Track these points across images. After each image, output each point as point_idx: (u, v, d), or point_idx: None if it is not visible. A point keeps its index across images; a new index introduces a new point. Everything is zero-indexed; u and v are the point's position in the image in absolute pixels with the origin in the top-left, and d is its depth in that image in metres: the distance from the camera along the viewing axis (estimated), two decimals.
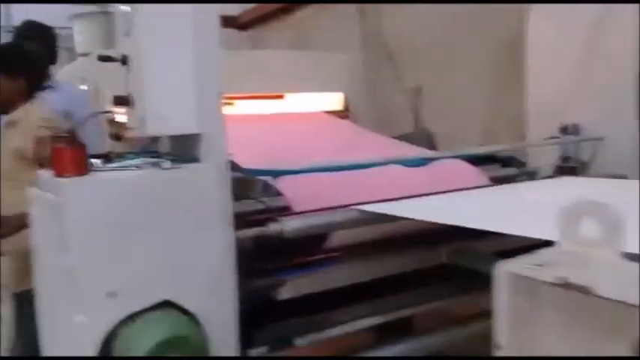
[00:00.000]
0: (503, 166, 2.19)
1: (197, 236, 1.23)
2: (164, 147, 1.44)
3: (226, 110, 2.71)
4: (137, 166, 1.26)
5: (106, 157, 1.38)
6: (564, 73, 2.07)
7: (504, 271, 0.64)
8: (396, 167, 1.78)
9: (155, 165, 1.23)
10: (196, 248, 1.23)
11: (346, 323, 1.54)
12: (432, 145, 3.20)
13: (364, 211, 1.45)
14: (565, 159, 2.04)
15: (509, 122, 2.85)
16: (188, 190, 1.22)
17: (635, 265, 0.61)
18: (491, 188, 1.76)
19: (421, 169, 1.85)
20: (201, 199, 1.23)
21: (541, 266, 0.62)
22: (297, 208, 1.60)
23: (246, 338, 1.39)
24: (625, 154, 1.93)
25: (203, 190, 1.23)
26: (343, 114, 2.93)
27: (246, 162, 1.88)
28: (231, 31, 6.15)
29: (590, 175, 1.97)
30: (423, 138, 3.37)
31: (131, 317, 1.15)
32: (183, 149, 1.35)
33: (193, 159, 1.31)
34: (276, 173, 1.58)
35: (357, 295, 1.55)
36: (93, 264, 1.12)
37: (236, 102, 2.78)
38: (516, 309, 0.64)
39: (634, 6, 1.84)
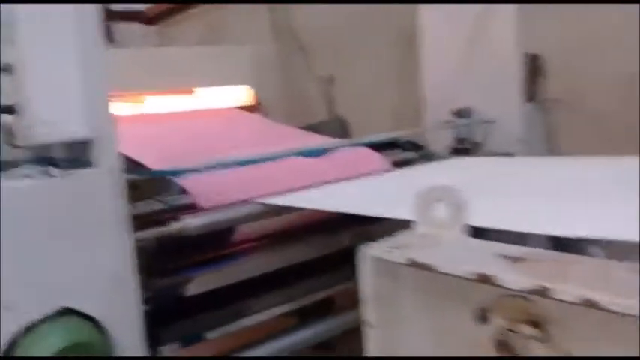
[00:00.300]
0: (405, 151, 2.30)
1: (92, 242, 1.22)
2: (62, 153, 1.41)
3: (134, 109, 2.70)
4: (27, 176, 1.24)
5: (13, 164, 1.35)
6: (454, 61, 2.19)
7: (365, 253, 0.70)
8: (298, 158, 1.82)
9: (44, 173, 1.22)
10: (92, 254, 1.22)
11: (257, 313, 1.58)
12: (345, 132, 3.28)
13: (266, 204, 1.48)
14: (460, 141, 2.15)
15: (415, 108, 2.98)
16: (79, 196, 1.21)
17: (474, 240, 0.68)
18: (389, 173, 1.84)
19: (323, 158, 1.90)
20: (94, 205, 1.22)
21: (397, 248, 0.67)
22: (202, 206, 1.63)
23: (156, 337, 1.41)
24: (513, 134, 2.06)
25: (95, 195, 1.22)
26: (253, 108, 2.94)
27: (153, 162, 1.90)
28: (139, 27, 6.03)
29: (482, 155, 2.09)
30: (337, 125, 3.44)
31: (30, 327, 1.14)
32: (77, 154, 1.33)
33: (87, 164, 1.30)
34: (175, 173, 1.58)
35: (266, 285, 1.59)
36: None
37: (145, 99, 2.76)
38: (380, 289, 0.69)
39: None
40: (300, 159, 1.84)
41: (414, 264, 0.63)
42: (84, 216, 1.21)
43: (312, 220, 1.68)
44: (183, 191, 1.66)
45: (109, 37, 3.69)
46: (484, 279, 0.56)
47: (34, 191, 1.17)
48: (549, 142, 2.15)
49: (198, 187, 1.68)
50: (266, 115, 2.94)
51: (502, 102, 2.07)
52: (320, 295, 1.73)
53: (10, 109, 1.30)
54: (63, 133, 1.27)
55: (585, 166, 1.43)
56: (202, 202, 1.64)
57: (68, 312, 1.20)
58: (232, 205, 1.55)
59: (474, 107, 2.15)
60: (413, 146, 2.30)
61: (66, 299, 1.20)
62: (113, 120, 1.30)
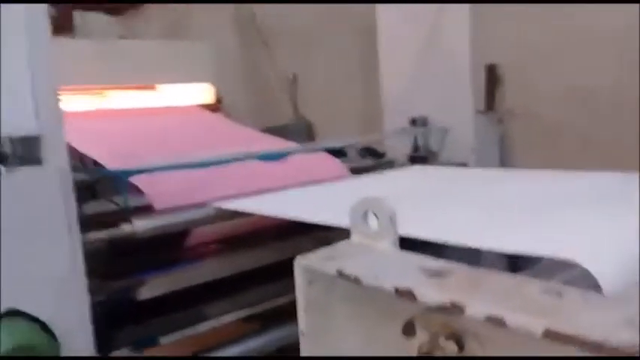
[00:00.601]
0: (363, 157, 2.33)
1: (39, 242, 1.22)
2: (11, 149, 1.40)
3: (93, 104, 2.66)
4: None
5: None
6: (411, 66, 2.23)
7: (299, 263, 0.72)
8: (254, 162, 1.84)
9: None
10: (39, 254, 1.22)
11: (213, 318, 1.58)
12: (310, 135, 3.31)
13: (219, 208, 1.50)
14: (416, 148, 2.20)
15: (381, 110, 3.01)
16: (25, 194, 1.20)
17: (401, 253, 0.71)
18: (344, 180, 1.86)
19: (280, 162, 1.92)
20: (41, 204, 1.22)
21: (330, 259, 0.70)
22: (157, 207, 1.63)
23: (108, 340, 1.41)
24: (467, 143, 2.11)
25: (42, 194, 1.22)
26: (214, 106, 2.94)
27: (108, 160, 1.89)
28: (102, 17, 5.93)
29: (437, 164, 2.14)
30: (302, 128, 3.47)
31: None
32: (28, 151, 1.32)
33: (36, 161, 1.29)
34: (128, 173, 1.58)
35: (222, 291, 1.60)
36: None
37: (106, 94, 2.73)
38: (314, 299, 0.72)
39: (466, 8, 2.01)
40: (257, 162, 1.86)
41: (342, 275, 0.66)
42: (30, 215, 1.21)
43: (270, 224, 1.70)
44: (139, 191, 1.67)
45: (70, 27, 3.63)
46: (402, 293, 0.59)
47: None
48: (503, 153, 2.21)
49: (152, 187, 1.68)
50: (227, 114, 2.94)
51: (456, 110, 2.12)
52: (279, 301, 1.74)
53: None
54: (9, 129, 1.26)
55: (532, 179, 1.48)
56: (157, 203, 1.64)
57: (14, 314, 1.19)
58: (186, 207, 1.56)
59: (430, 115, 2.19)
60: (371, 153, 2.34)
61: (12, 301, 1.19)
62: (62, 117, 1.29)
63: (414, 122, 2.19)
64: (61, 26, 3.52)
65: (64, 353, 1.26)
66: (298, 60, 4.08)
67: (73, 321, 1.28)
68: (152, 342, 1.50)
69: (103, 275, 1.48)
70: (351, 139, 2.15)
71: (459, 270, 0.63)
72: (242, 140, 2.34)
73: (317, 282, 0.70)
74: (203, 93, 2.97)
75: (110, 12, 5.56)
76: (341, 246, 0.75)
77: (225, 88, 4.68)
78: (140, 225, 1.40)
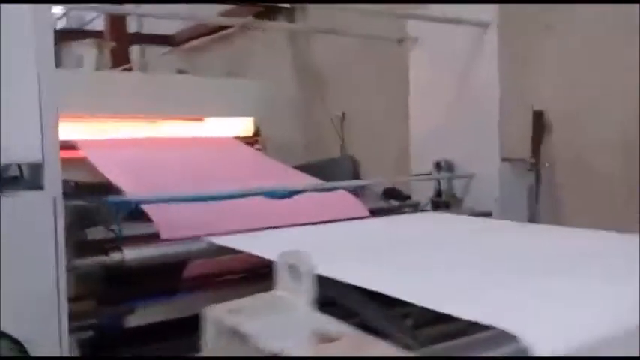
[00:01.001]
0: (389, 199, 2.28)
1: (23, 265, 1.25)
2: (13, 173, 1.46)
3: (135, 132, 2.74)
4: None
5: None
6: (439, 110, 2.18)
7: (208, 314, 0.70)
8: (266, 199, 1.82)
9: None
10: (23, 277, 1.25)
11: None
12: (355, 171, 3.27)
13: (212, 243, 1.49)
14: (439, 194, 2.13)
15: None
16: (13, 219, 1.24)
17: (308, 313, 0.67)
18: (350, 222, 1.82)
19: (296, 199, 1.89)
20: (27, 229, 1.25)
21: (235, 312, 0.67)
22: (163, 236, 1.65)
23: None
24: (491, 192, 2.03)
25: (29, 219, 1.26)
26: (251, 140, 2.98)
27: (131, 189, 1.93)
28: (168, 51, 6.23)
29: (460, 211, 2.06)
30: (347, 164, 3.45)
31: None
32: (31, 177, 1.38)
33: (39, 187, 1.33)
34: (123, 204, 1.59)
35: None
36: None
37: (158, 123, 2.82)
38: (220, 346, 0.69)
39: (494, 49, 1.96)
40: (269, 200, 1.84)
41: (235, 332, 0.63)
42: (16, 239, 1.24)
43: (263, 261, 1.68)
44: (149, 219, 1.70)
45: (128, 60, 3.81)
46: (274, 357, 0.55)
47: None
48: (533, 204, 2.10)
49: (161, 217, 1.70)
50: (264, 147, 2.97)
51: (482, 158, 2.05)
52: None
53: None
54: (16, 156, 1.32)
55: (536, 236, 1.40)
56: (163, 233, 1.66)
57: None
58: (186, 239, 1.56)
59: (456, 161, 2.13)
60: (396, 194, 2.29)
61: None
62: (58, 147, 1.33)
63: (438, 166, 2.13)
64: (119, 59, 3.71)
65: None
66: (347, 98, 4.12)
67: (50, 344, 1.29)
68: None
69: (98, 299, 1.51)
70: (373, 180, 2.11)
71: (350, 337, 0.59)
72: (268, 174, 2.35)
73: (224, 331, 0.67)
74: (243, 127, 3.01)
75: (174, 45, 5.85)
76: (257, 298, 0.72)
77: (279, 124, 4.78)
78: (130, 254, 1.41)
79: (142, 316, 1.49)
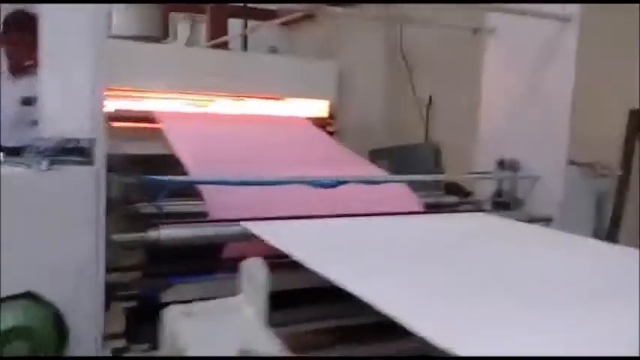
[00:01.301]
0: (450, 193, 2.21)
1: (63, 234, 1.33)
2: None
3: (213, 108, 2.83)
4: (26, 164, 1.38)
5: (16, 152, 1.52)
6: (510, 105, 2.07)
7: (166, 314, 0.71)
8: (313, 187, 1.81)
9: (34, 164, 1.34)
10: (61, 246, 1.33)
11: None
12: (437, 159, 3.21)
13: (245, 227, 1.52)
14: (499, 193, 2.03)
15: None
16: (56, 190, 1.32)
17: (249, 326, 0.66)
18: (386, 218, 1.76)
19: (349, 189, 1.86)
20: (70, 201, 1.33)
21: (187, 315, 0.68)
22: (212, 216, 1.71)
23: (131, 334, 1.50)
24: (555, 196, 1.91)
25: (71, 192, 1.33)
26: (325, 121, 2.98)
27: (190, 164, 2.01)
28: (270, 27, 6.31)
29: (521, 213, 1.96)
30: (429, 151, 3.38)
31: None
32: (82, 152, 1.46)
33: (89, 162, 1.41)
34: (164, 182, 1.64)
35: None
36: None
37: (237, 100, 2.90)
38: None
39: (573, 47, 1.82)
40: (317, 189, 1.83)
41: (171, 336, 0.64)
42: (58, 209, 1.33)
43: None
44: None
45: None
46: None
47: (16, 180, 1.30)
48: (599, 216, 1.95)
49: (212, 198, 1.76)
50: (336, 130, 2.97)
51: (548, 159, 1.92)
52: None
53: (27, 101, 1.45)
54: (62, 131, 1.40)
55: (566, 251, 1.30)
56: (212, 213, 1.72)
57: (30, 296, 1.32)
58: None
59: (522, 159, 2.01)
60: (458, 190, 2.21)
61: (32, 284, 1.32)
62: (102, 125, 1.40)
63: (501, 164, 2.03)
64: (216, 32, 3.81)
65: (72, 340, 1.36)
66: (435, 85, 4.01)
67: (84, 310, 1.38)
68: None
69: (140, 272, 1.59)
70: (429, 175, 2.05)
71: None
72: (328, 158, 2.35)
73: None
74: (318, 108, 3.02)
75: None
76: (215, 303, 0.73)
77: (363, 105, 4.75)
78: (165, 233, 1.47)
79: (178, 292, 1.54)
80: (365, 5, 4.32)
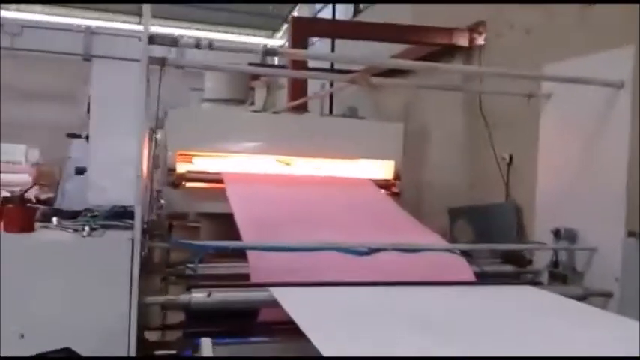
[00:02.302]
0: (508, 262, 2.13)
1: (99, 296, 1.43)
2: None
3: (280, 169, 2.93)
4: (74, 229, 1.51)
5: (76, 215, 1.66)
6: (566, 173, 1.98)
7: None
8: (357, 256, 1.82)
9: (78, 230, 1.47)
10: (97, 306, 1.43)
11: None
12: (519, 219, 3.13)
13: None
14: (555, 264, 1.93)
15: None
16: (96, 255, 1.43)
17: None
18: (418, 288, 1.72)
19: (394, 257, 1.85)
20: (106, 265, 1.44)
21: None
22: (253, 279, 1.76)
23: None
24: (614, 269, 1.78)
25: (108, 257, 1.44)
26: (390, 183, 2.98)
27: (244, 227, 2.08)
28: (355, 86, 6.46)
29: (579, 287, 1.85)
30: (511, 211, 3.29)
31: (35, 357, 1.38)
32: (122, 218, 1.57)
33: (124, 227, 1.52)
34: (194, 246, 1.70)
35: None
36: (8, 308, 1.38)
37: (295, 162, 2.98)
38: None
39: (627, 113, 1.73)
40: (362, 257, 1.82)
41: None
42: (97, 273, 1.44)
43: None
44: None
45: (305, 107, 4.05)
46: None
47: (60, 244, 1.43)
48: None
49: (257, 262, 1.81)
50: (399, 191, 2.96)
51: (606, 230, 1.81)
52: None
53: (80, 170, 1.60)
54: (108, 199, 1.53)
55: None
56: (254, 276, 1.77)
57: (67, 351, 1.42)
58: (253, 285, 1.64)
59: (579, 230, 1.91)
60: (517, 259, 2.12)
61: (68, 340, 1.42)
62: (142, 195, 1.50)
63: (557, 234, 1.93)
64: (296, 94, 3.97)
65: None
66: (515, 143, 3.90)
67: None
68: None
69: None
70: (479, 245, 2.00)
71: None
72: (386, 225, 2.33)
73: None
74: (384, 169, 3.03)
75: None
76: None
77: (444, 164, 4.69)
78: (196, 297, 1.53)
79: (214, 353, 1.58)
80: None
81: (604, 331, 1.35)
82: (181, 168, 2.71)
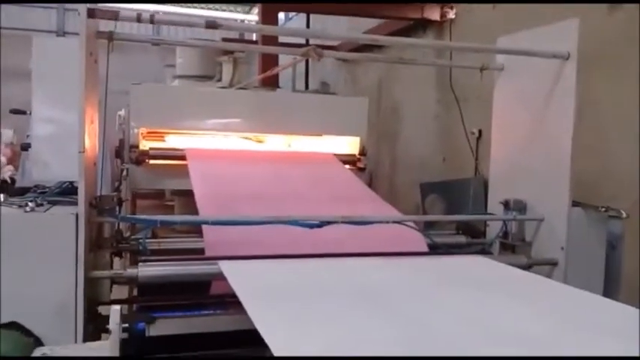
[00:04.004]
0: (462, 232, 2.16)
1: (45, 271, 1.44)
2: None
3: (245, 146, 2.92)
4: (19, 205, 1.51)
5: (25, 191, 1.66)
6: (517, 144, 2.01)
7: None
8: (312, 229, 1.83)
9: (23, 206, 1.47)
10: (43, 282, 1.44)
11: None
12: (487, 193, 3.16)
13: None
14: (505, 235, 1.97)
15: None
16: (40, 230, 1.44)
17: None
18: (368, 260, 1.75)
19: (347, 229, 1.87)
20: (51, 240, 1.44)
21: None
22: (207, 253, 1.77)
23: None
24: (560, 238, 1.82)
25: (53, 232, 1.44)
26: (355, 158, 3.00)
27: (202, 202, 2.08)
28: (331, 61, 6.45)
29: (527, 257, 1.88)
30: (479, 185, 3.33)
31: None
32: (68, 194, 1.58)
33: (70, 202, 1.53)
34: (142, 221, 1.71)
35: (230, 342, 1.66)
36: None
37: (264, 138, 2.99)
38: None
39: (572, 83, 1.76)
40: (313, 230, 1.84)
41: None
42: (42, 248, 1.45)
43: None
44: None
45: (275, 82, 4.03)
46: None
47: (6, 220, 1.43)
48: (611, 260, 1.84)
49: (211, 236, 1.83)
50: (364, 166, 2.98)
51: (552, 200, 1.85)
52: None
53: (23, 147, 1.60)
54: (52, 175, 1.53)
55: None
56: (208, 250, 1.79)
57: (14, 326, 1.43)
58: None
59: (528, 200, 1.94)
60: (471, 231, 2.16)
61: (15, 315, 1.43)
62: (90, 169, 1.51)
63: (506, 205, 1.96)
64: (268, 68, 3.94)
65: None
66: (486, 117, 3.93)
67: (66, 341, 1.47)
68: None
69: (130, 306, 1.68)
70: (432, 217, 2.03)
71: None
72: (343, 197, 2.36)
73: None
74: (350, 145, 3.04)
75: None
76: (79, 347, 0.77)
77: (415, 139, 4.72)
78: (143, 271, 1.54)
79: (162, 327, 1.60)
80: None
81: (543, 298, 1.39)
82: (146, 145, 2.72)
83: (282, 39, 4.94)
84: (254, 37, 7.86)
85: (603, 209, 1.82)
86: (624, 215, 1.81)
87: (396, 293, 1.36)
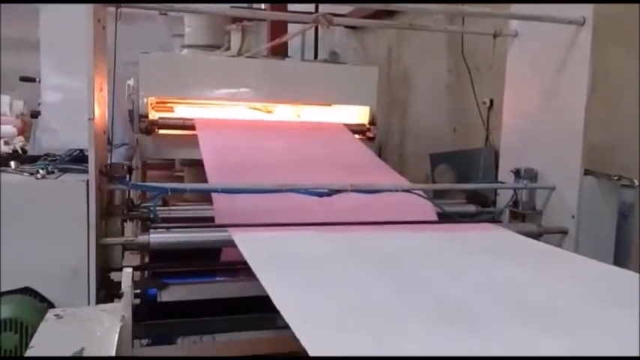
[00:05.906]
0: (472, 202, 2.15)
1: (57, 238, 1.45)
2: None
3: (254, 115, 2.92)
4: (30, 172, 1.51)
5: (35, 159, 1.67)
6: (530, 112, 1.99)
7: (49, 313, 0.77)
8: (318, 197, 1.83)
9: (34, 173, 1.48)
10: (56, 248, 1.45)
11: (227, 332, 1.67)
12: (497, 163, 3.15)
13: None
14: (515, 204, 1.96)
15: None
16: (52, 197, 1.45)
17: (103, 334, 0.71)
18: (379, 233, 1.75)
19: (358, 198, 1.87)
20: (63, 207, 1.45)
21: (57, 317, 0.74)
22: (217, 221, 1.78)
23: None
24: (571, 207, 1.81)
25: (64, 199, 1.45)
26: (364, 127, 2.98)
27: (211, 171, 2.09)
28: (340, 30, 6.38)
29: (538, 225, 1.88)
30: (490, 156, 3.31)
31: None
32: (79, 161, 1.58)
33: (84, 170, 1.53)
34: (151, 188, 1.72)
35: (240, 308, 1.68)
36: None
37: (273, 108, 2.98)
38: None
39: (587, 49, 1.73)
40: (323, 199, 1.84)
41: None
42: (53, 214, 1.46)
43: None
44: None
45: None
46: None
47: (17, 187, 1.44)
48: (622, 229, 1.83)
49: (220, 204, 1.83)
50: (374, 136, 2.96)
51: (563, 169, 1.83)
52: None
53: (33, 114, 1.59)
54: (62, 143, 1.53)
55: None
56: (218, 218, 1.79)
57: (27, 291, 1.45)
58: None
59: (540, 169, 1.93)
60: (481, 199, 2.15)
61: (29, 281, 1.45)
62: (100, 137, 1.51)
63: (517, 173, 1.95)
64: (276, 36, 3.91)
65: None
66: (498, 87, 3.88)
67: (79, 306, 1.48)
68: (170, 341, 1.65)
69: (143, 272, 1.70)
70: (444, 185, 2.02)
71: None
72: (353, 167, 2.35)
73: None
74: (360, 114, 3.02)
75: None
76: (89, 310, 0.78)
77: (426, 108, 4.67)
78: (155, 238, 1.55)
79: (174, 293, 1.61)
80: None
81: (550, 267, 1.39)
82: (156, 116, 2.72)
83: (290, 7, 4.88)
84: (262, 6, 7.80)
85: (615, 178, 1.81)
86: (637, 184, 1.80)
87: (410, 261, 1.36)
